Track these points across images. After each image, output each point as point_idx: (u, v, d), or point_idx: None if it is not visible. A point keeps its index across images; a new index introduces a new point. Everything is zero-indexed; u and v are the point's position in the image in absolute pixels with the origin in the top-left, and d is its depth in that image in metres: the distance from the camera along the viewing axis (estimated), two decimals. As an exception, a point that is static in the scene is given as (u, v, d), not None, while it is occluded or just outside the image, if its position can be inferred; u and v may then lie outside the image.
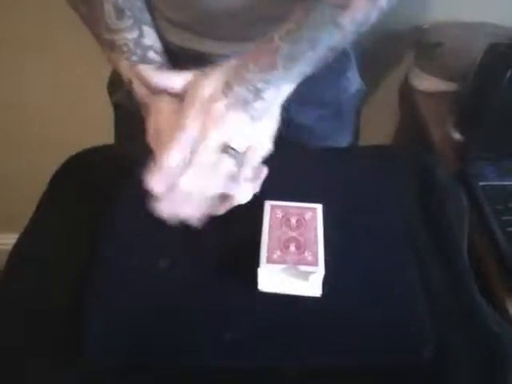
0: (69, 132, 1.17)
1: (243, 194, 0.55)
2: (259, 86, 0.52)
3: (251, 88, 0.52)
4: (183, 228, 0.55)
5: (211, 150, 0.51)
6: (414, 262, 0.58)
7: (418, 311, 0.54)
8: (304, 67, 0.55)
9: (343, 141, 0.87)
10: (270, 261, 0.54)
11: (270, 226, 0.57)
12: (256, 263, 0.54)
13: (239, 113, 0.52)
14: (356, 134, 0.93)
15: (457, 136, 0.95)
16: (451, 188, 0.69)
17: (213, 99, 0.51)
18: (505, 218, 0.78)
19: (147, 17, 0.59)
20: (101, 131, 0.84)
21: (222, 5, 0.64)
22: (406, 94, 1.14)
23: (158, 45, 0.59)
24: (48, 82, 1.17)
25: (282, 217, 0.58)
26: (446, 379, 0.50)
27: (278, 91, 0.54)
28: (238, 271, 0.56)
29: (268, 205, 0.60)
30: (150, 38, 0.58)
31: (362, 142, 1.02)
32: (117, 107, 0.84)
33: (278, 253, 0.55)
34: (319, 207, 0.59)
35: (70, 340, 0.51)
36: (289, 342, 0.52)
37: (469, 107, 0.92)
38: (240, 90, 0.52)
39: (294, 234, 0.56)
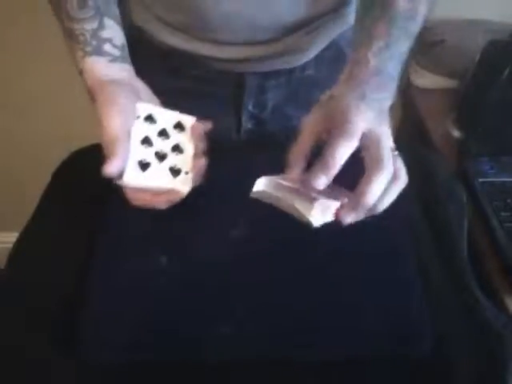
0: (69, 130, 1.17)
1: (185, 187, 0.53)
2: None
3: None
4: (181, 224, 0.55)
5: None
6: (414, 260, 0.58)
7: (416, 306, 0.54)
8: (397, 80, 0.56)
9: None
10: None
11: None
12: None
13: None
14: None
15: (456, 133, 0.95)
16: (450, 184, 0.69)
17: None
18: (504, 214, 0.78)
19: (113, 9, 0.59)
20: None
21: (220, 9, 0.64)
22: (407, 91, 1.14)
23: (118, 38, 0.58)
24: (49, 79, 1.17)
25: None
26: (447, 374, 0.50)
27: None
28: (235, 265, 0.57)
29: None
30: (110, 30, 0.57)
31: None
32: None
33: None
34: None
35: (70, 338, 0.51)
36: (287, 335, 0.52)
37: (468, 104, 0.93)
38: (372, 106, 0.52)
39: None
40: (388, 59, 0.54)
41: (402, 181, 0.51)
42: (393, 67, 0.54)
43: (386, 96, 0.53)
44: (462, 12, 1.06)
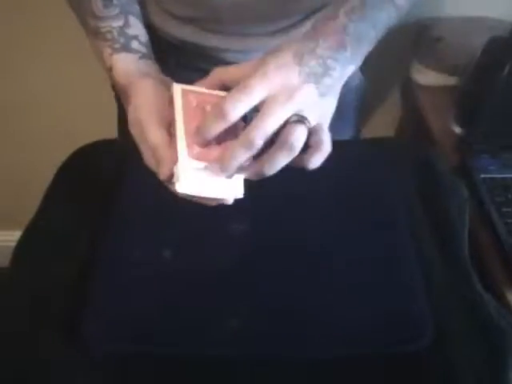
0: (72, 127, 1.17)
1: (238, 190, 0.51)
2: (328, 62, 0.50)
3: (321, 63, 0.50)
4: (185, 219, 0.55)
5: (280, 119, 0.47)
6: (415, 254, 0.59)
7: (417, 301, 0.54)
8: (367, 48, 0.54)
9: (344, 135, 0.87)
10: (190, 156, 0.47)
11: (185, 114, 0.48)
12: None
13: (311, 86, 0.49)
14: (357, 128, 0.93)
15: (458, 129, 0.95)
16: (452, 181, 0.70)
17: (286, 67, 0.48)
18: (505, 209, 0.78)
19: (135, 8, 0.59)
20: (104, 126, 0.84)
21: (231, 3, 0.64)
22: (408, 88, 1.14)
23: (143, 36, 0.58)
24: (52, 77, 1.17)
25: (197, 105, 0.50)
26: (448, 371, 0.50)
27: (344, 71, 0.52)
28: (241, 261, 0.57)
29: (178, 88, 0.50)
30: (136, 28, 0.58)
31: (364, 136, 1.03)
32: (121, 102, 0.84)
33: (198, 149, 0.47)
34: None
35: (73, 332, 0.52)
36: (289, 332, 0.52)
37: (469, 101, 0.93)
38: (312, 63, 0.49)
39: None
40: (359, 20, 0.51)
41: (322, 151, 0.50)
42: (363, 29, 0.52)
43: (346, 56, 0.51)
44: (463, 9, 1.06)
